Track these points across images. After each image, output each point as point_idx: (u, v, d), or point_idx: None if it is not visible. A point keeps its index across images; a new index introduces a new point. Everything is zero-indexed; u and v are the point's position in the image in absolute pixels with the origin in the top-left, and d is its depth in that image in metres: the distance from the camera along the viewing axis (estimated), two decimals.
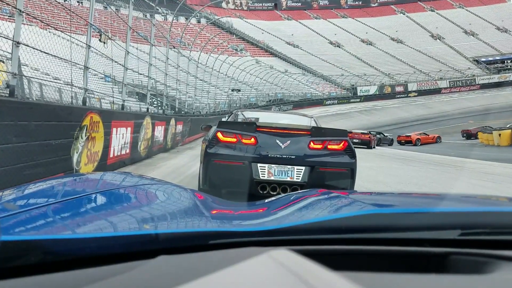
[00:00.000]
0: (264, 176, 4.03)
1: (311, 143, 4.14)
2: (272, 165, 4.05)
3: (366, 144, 22.91)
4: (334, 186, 4.01)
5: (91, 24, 7.02)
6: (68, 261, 0.59)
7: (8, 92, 4.40)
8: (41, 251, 0.58)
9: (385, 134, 30.34)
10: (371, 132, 26.47)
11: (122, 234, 0.68)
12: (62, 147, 5.22)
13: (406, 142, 29.41)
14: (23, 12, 4.68)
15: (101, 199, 0.95)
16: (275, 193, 4.03)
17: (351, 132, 22.45)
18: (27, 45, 5.01)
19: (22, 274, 0.54)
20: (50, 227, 0.71)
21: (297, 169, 4.06)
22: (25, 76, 5.80)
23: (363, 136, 23.37)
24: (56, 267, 0.57)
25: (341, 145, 4.20)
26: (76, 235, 0.67)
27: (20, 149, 4.21)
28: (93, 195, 0.98)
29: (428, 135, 30.20)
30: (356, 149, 4.42)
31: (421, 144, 28.44)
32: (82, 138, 5.81)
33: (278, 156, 4.06)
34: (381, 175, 8.79)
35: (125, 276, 0.53)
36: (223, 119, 5.19)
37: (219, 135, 4.14)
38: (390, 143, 29.57)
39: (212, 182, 4.10)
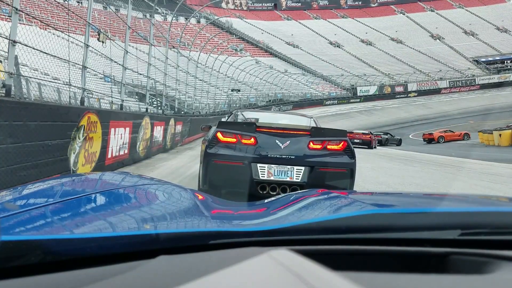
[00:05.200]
0: (264, 176, 4.03)
1: (311, 143, 4.15)
2: (272, 165, 4.05)
3: (367, 144, 23.29)
4: (333, 186, 4.01)
5: (89, 23, 7.01)
6: (68, 261, 0.59)
7: (4, 92, 4.34)
8: (41, 251, 0.58)
9: (393, 135, 30.23)
10: (377, 133, 26.45)
11: (122, 234, 0.68)
12: (59, 147, 5.15)
13: (430, 140, 28.56)
14: (19, 10, 4.62)
15: (100, 199, 0.95)
16: (274, 193, 4.03)
17: (352, 132, 22.64)
18: (25, 44, 4.95)
19: (22, 274, 0.54)
20: (50, 227, 0.71)
21: (296, 169, 4.06)
22: (22, 75, 5.76)
23: (364, 136, 23.72)
24: (56, 267, 0.57)
25: (340, 145, 4.21)
26: (76, 235, 0.66)
27: (14, 150, 4.13)
28: (93, 195, 0.97)
29: (454, 132, 28.92)
30: (357, 150, 4.41)
31: (444, 142, 27.82)
32: (79, 138, 5.77)
33: (277, 156, 4.06)
34: (383, 176, 8.79)
35: (125, 276, 0.53)
36: (223, 119, 5.18)
37: (219, 135, 4.14)
38: (398, 143, 29.22)
39: (212, 183, 4.10)
